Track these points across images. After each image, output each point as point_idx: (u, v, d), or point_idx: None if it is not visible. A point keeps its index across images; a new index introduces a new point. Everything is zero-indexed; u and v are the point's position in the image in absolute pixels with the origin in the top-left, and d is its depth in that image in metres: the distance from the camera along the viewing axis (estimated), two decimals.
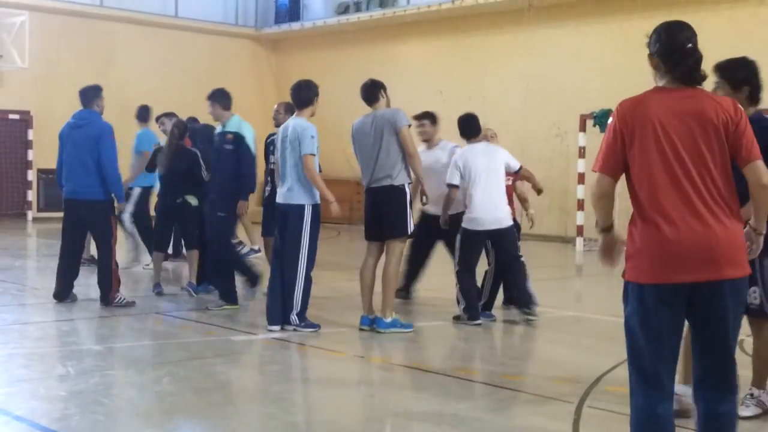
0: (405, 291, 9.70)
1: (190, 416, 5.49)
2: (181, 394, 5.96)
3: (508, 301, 9.43)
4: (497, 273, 9.06)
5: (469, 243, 8.69)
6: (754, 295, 5.19)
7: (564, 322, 9.15)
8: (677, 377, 4.29)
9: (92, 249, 10.86)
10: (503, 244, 8.77)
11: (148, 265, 12.07)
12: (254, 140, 9.29)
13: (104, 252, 9.36)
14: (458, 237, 8.75)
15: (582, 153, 17.17)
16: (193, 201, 9.96)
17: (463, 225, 8.70)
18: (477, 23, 21.09)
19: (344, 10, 24.28)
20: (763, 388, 5.44)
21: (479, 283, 8.94)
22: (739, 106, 3.84)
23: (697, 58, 3.81)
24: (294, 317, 8.04)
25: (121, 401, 5.83)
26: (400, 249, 8.27)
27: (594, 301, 10.93)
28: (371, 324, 8.19)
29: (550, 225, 19.07)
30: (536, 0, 19.50)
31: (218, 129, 9.48)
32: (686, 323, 3.85)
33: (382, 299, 8.23)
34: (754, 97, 5.20)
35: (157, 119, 11.88)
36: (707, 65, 3.97)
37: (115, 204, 9.61)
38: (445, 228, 8.91)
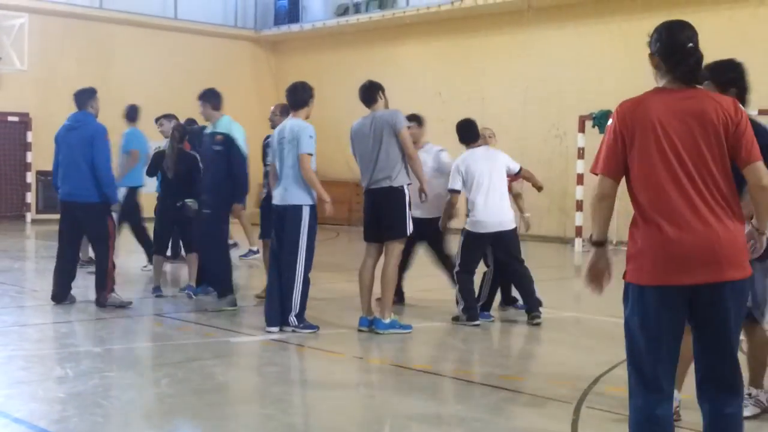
0: (396, 296, 9.64)
1: (189, 418, 5.48)
2: (180, 396, 5.96)
3: (505, 303, 9.43)
4: (496, 274, 9.07)
5: (472, 245, 8.71)
6: None
7: (563, 322, 9.15)
8: None
9: (91, 251, 10.88)
10: (505, 248, 8.78)
11: (146, 266, 12.08)
12: (245, 141, 9.23)
13: (101, 253, 9.39)
14: (460, 239, 8.77)
15: (581, 154, 17.18)
16: (193, 204, 9.95)
17: (466, 227, 8.71)
18: (476, 24, 21.09)
19: (343, 11, 24.28)
20: (760, 388, 5.44)
21: (477, 285, 8.94)
22: (740, 106, 3.82)
23: (698, 57, 3.79)
24: (293, 319, 8.04)
25: (120, 403, 5.82)
26: (399, 250, 8.26)
27: (593, 301, 10.82)
28: (370, 325, 8.18)
29: (549, 226, 19.08)
30: (535, 1, 19.51)
31: (208, 129, 9.43)
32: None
33: (380, 300, 8.23)
34: (741, 99, 5.19)
35: (157, 120, 11.87)
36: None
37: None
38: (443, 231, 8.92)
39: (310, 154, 8.07)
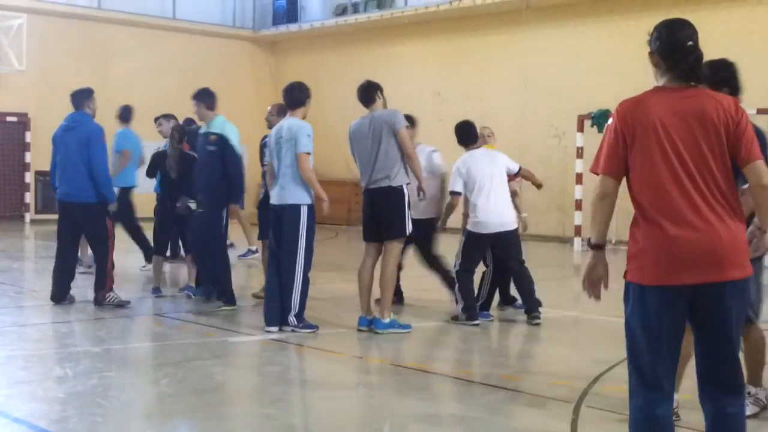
0: (395, 296, 9.65)
1: (189, 417, 5.48)
2: (179, 396, 5.96)
3: (504, 302, 9.44)
4: (495, 274, 9.07)
5: (473, 245, 8.72)
6: None
7: (562, 322, 9.15)
8: None
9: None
10: (507, 248, 8.80)
11: (144, 266, 12.08)
12: (239, 141, 9.20)
13: (100, 253, 9.41)
14: (462, 238, 8.78)
15: (580, 153, 17.19)
16: (193, 205, 9.95)
17: (469, 228, 8.72)
18: (474, 24, 21.10)
19: (342, 11, 24.29)
20: (759, 386, 5.45)
21: (476, 285, 8.95)
22: (740, 105, 3.81)
23: (698, 56, 3.77)
24: (292, 318, 8.04)
25: (119, 403, 5.82)
26: (399, 250, 8.27)
27: (592, 301, 10.89)
28: (369, 325, 8.19)
29: (548, 225, 19.09)
30: (533, 0, 19.52)
31: (202, 129, 9.40)
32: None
33: (380, 300, 8.23)
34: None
35: (156, 120, 11.87)
36: None
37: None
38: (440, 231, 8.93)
39: (309, 153, 8.07)
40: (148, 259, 11.79)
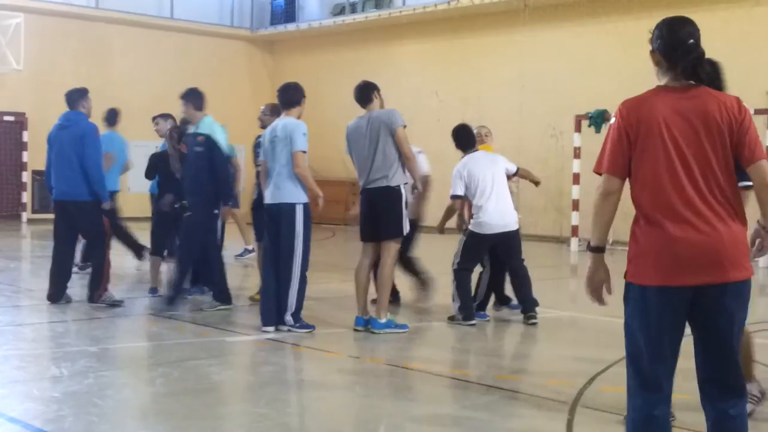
0: (392, 296, 9.62)
1: (185, 417, 5.47)
2: (175, 395, 5.95)
3: (499, 302, 9.44)
4: (492, 274, 9.07)
5: (475, 246, 8.73)
6: None
7: (559, 322, 9.16)
8: None
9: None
10: (509, 248, 8.81)
11: (139, 267, 12.08)
12: (227, 142, 9.14)
13: (97, 252, 9.41)
14: (463, 238, 8.78)
15: (577, 153, 17.20)
16: (168, 199, 9.94)
17: (471, 228, 8.71)
18: (472, 24, 21.11)
19: (340, 11, 24.29)
20: (751, 381, 5.44)
21: (473, 285, 8.95)
22: (743, 104, 3.79)
23: (699, 54, 3.74)
24: (289, 318, 8.03)
25: (115, 402, 5.81)
26: (396, 250, 8.26)
27: (589, 301, 10.89)
28: (366, 325, 8.18)
29: (546, 225, 19.11)
30: (531, 1, 19.52)
31: (190, 129, 9.33)
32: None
33: (376, 300, 8.23)
34: None
35: (153, 119, 11.85)
36: None
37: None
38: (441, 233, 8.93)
39: (304, 152, 8.05)
40: (138, 256, 11.80)
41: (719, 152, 3.65)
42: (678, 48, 3.73)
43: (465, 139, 9.06)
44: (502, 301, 9.47)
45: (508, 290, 9.28)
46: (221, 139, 9.03)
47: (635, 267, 3.70)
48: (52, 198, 9.62)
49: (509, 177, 9.16)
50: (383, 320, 8.13)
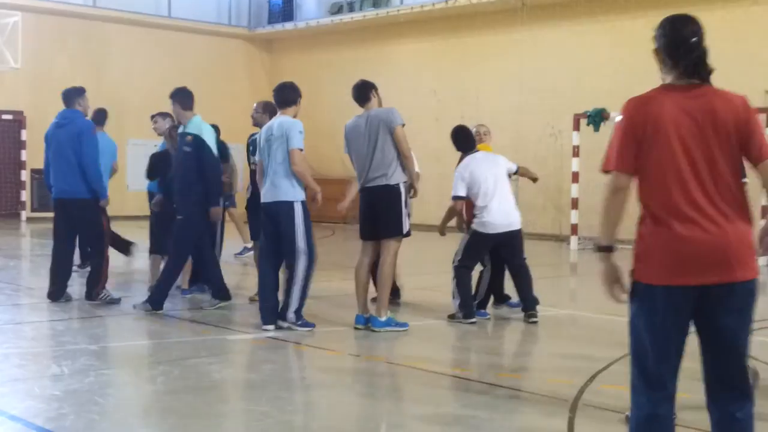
0: (392, 294, 9.61)
1: (186, 415, 5.47)
2: (176, 394, 5.96)
3: (498, 301, 9.45)
4: (492, 273, 9.08)
5: (478, 245, 8.74)
6: None
7: (559, 320, 9.16)
8: None
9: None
10: (512, 247, 8.82)
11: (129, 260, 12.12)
12: (216, 142, 9.08)
13: (96, 250, 9.43)
14: (466, 236, 8.80)
15: (576, 152, 17.21)
16: (158, 198, 9.93)
17: (475, 228, 8.72)
18: (470, 23, 21.11)
19: (338, 10, 24.30)
20: None
21: (474, 283, 8.96)
22: (749, 103, 3.78)
23: (701, 52, 3.72)
24: (291, 315, 8.03)
25: (116, 400, 5.81)
26: (395, 248, 8.25)
27: (588, 299, 10.93)
28: (366, 323, 8.19)
29: (545, 223, 19.12)
30: (529, 0, 19.54)
31: (180, 129, 9.27)
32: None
33: (377, 298, 8.24)
34: None
35: (152, 117, 11.85)
36: None
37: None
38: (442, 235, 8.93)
39: (301, 149, 8.05)
40: (126, 252, 11.83)
41: (726, 152, 3.63)
42: (681, 46, 3.71)
43: (464, 140, 9.07)
44: (501, 299, 9.48)
45: (508, 289, 9.30)
46: (210, 139, 8.97)
47: (641, 266, 3.67)
48: (51, 196, 9.62)
49: (509, 176, 9.18)
50: (383, 318, 8.14)
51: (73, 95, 9.50)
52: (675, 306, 3.62)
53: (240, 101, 23.03)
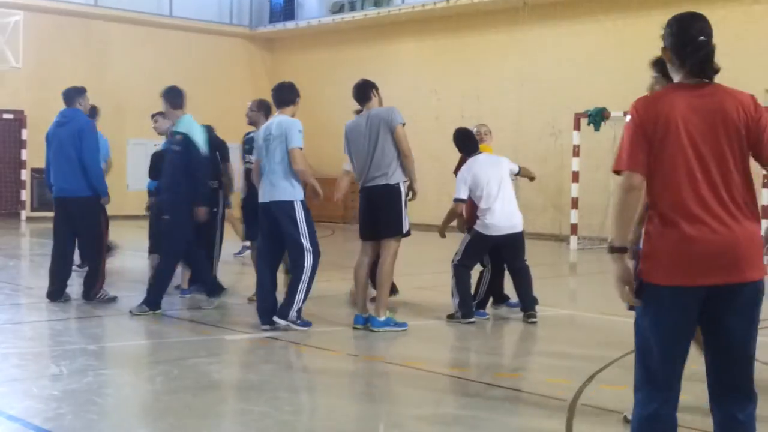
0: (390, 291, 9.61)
1: (185, 415, 5.47)
2: (175, 393, 5.96)
3: (497, 301, 9.45)
4: (492, 273, 9.07)
5: (478, 245, 8.74)
6: None
7: (558, 320, 9.16)
8: None
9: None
10: (514, 249, 8.83)
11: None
12: (205, 142, 9.03)
13: (94, 249, 9.45)
14: (467, 236, 8.79)
15: (576, 152, 17.20)
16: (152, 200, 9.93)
17: (477, 229, 8.71)
18: (471, 22, 21.12)
19: (339, 9, 24.30)
20: None
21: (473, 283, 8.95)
22: (759, 102, 3.76)
23: (709, 50, 3.70)
24: (293, 313, 8.00)
25: (114, 400, 5.82)
26: (395, 248, 8.25)
27: (588, 299, 10.94)
28: (365, 323, 8.18)
29: (544, 223, 19.11)
30: None
31: (170, 128, 9.23)
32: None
33: (376, 298, 8.23)
34: None
35: (152, 116, 11.85)
36: None
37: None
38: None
39: (301, 148, 8.04)
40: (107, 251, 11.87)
41: (736, 151, 3.61)
42: (688, 45, 3.69)
43: (467, 143, 9.06)
44: (500, 299, 9.48)
45: (507, 289, 9.30)
46: (200, 138, 8.93)
47: (649, 266, 3.64)
48: (52, 196, 9.63)
49: (511, 177, 9.18)
50: (382, 318, 8.14)
51: (73, 95, 9.52)
52: (682, 306, 3.60)
53: (241, 100, 22.94)
